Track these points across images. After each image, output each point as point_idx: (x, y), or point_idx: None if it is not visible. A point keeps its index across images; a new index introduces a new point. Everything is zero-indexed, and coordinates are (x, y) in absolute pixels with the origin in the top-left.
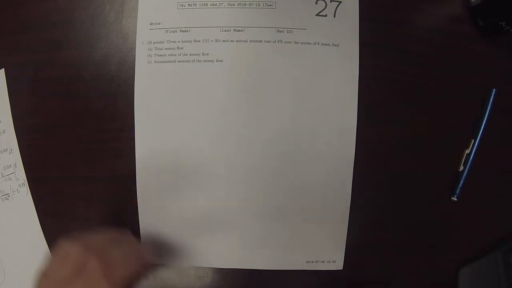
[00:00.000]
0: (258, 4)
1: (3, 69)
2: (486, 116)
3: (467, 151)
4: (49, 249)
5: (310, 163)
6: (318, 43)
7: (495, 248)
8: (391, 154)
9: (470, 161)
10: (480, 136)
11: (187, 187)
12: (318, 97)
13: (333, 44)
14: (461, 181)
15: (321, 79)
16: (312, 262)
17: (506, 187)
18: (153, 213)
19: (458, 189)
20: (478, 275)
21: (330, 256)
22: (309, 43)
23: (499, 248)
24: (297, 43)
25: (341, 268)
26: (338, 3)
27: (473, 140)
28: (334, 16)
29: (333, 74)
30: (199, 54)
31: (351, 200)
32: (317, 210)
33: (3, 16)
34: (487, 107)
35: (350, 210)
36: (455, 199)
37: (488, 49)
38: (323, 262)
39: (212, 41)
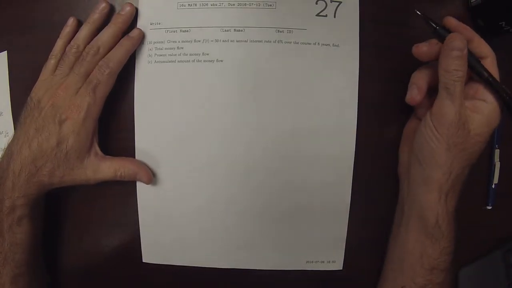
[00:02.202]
0: (258, 4)
1: (5, 51)
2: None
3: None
4: None
5: (310, 163)
6: (318, 43)
7: (495, 248)
8: (391, 154)
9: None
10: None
11: (187, 187)
12: (318, 97)
13: (333, 44)
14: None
15: (321, 79)
16: (312, 262)
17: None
18: (153, 213)
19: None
20: (478, 275)
21: (330, 256)
22: (309, 43)
23: (499, 248)
24: (297, 43)
25: (341, 268)
26: (338, 3)
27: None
28: (335, 17)
29: (333, 74)
30: (199, 54)
31: (351, 200)
32: (317, 210)
33: (3, 16)
34: None
35: (350, 210)
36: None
37: None
38: (323, 262)
39: (212, 41)
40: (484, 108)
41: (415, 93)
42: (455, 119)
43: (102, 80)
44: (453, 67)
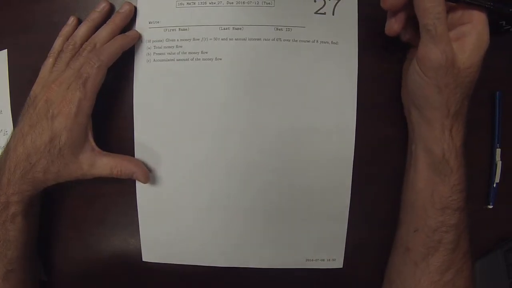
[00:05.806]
0: (257, 3)
1: (5, 50)
2: (497, 121)
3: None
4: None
5: (309, 161)
6: (317, 41)
7: (496, 247)
8: (390, 154)
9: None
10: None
11: (186, 185)
12: (317, 95)
13: (332, 42)
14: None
15: (320, 77)
16: (312, 260)
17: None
18: (153, 212)
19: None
20: (479, 274)
21: (330, 254)
22: (308, 41)
23: (500, 247)
24: (296, 41)
25: (341, 266)
26: (337, 1)
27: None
28: (333, 14)
29: (332, 72)
30: (198, 53)
31: (350, 198)
32: (317, 208)
33: (3, 16)
34: (496, 111)
35: (349, 207)
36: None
37: (488, 48)
38: (323, 260)
39: (211, 39)
40: (471, 31)
41: (392, 23)
42: (442, 62)
43: (92, 74)
44: (429, 3)
